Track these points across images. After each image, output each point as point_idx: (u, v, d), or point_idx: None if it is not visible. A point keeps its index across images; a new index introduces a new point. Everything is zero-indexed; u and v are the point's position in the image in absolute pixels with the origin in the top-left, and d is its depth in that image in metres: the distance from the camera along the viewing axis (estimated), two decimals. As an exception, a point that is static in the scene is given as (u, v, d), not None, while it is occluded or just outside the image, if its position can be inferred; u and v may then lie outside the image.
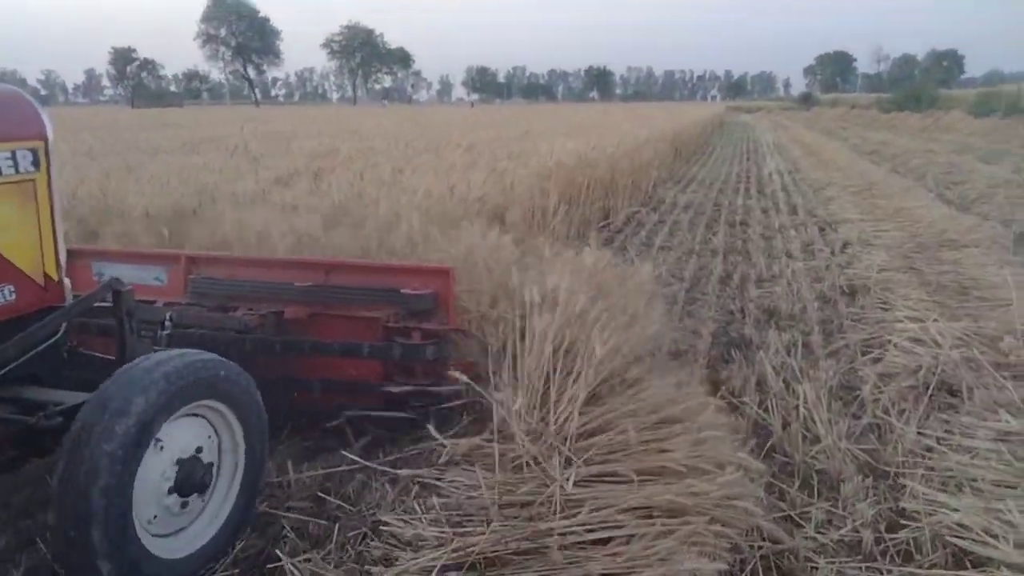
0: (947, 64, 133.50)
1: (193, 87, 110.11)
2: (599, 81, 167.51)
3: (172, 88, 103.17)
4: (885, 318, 5.16)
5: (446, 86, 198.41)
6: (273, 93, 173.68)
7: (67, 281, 2.67)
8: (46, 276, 2.55)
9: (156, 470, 2.26)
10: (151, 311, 3.15)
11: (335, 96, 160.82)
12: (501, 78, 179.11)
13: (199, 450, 2.41)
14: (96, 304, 2.58)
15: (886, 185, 11.57)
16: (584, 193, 7.80)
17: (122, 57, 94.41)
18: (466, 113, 29.42)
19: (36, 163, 2.45)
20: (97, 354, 2.77)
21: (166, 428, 2.24)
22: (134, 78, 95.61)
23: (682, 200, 11.75)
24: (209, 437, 2.47)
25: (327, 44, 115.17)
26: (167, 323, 3.00)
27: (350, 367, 3.36)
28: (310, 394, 3.34)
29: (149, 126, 16.54)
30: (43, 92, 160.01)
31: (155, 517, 2.29)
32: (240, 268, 3.60)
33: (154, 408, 2.15)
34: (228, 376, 2.43)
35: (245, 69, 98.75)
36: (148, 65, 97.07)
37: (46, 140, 2.49)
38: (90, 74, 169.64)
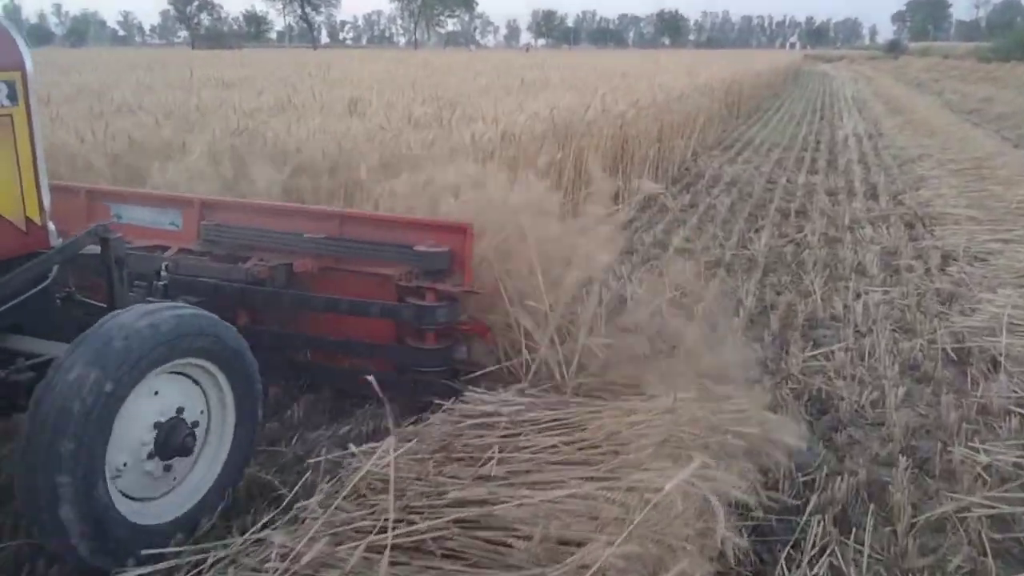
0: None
1: (260, 29, 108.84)
2: (670, 26, 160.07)
3: (240, 29, 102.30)
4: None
5: (513, 31, 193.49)
6: (341, 36, 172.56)
7: (51, 225, 2.46)
8: (27, 219, 2.38)
9: (132, 431, 2.10)
10: (147, 259, 3.09)
11: (402, 40, 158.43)
12: (570, 22, 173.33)
13: (181, 411, 2.22)
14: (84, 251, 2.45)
15: (1000, 161, 8.79)
16: (567, 173, 5.48)
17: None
18: (510, 58, 26.67)
19: (13, 96, 2.29)
20: (93, 302, 2.57)
21: (144, 386, 2.09)
22: (194, 18, 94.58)
23: (727, 174, 9.23)
24: (195, 399, 2.29)
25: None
26: (163, 273, 2.98)
27: (359, 326, 3.15)
28: (319, 352, 3.28)
29: (134, 67, 14.67)
30: (121, 33, 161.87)
31: (130, 478, 2.12)
32: (255, 215, 3.39)
33: (131, 365, 2.01)
34: (217, 334, 2.27)
35: (303, 10, 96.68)
36: (207, 6, 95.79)
37: (24, 71, 2.31)
38: (165, 16, 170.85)
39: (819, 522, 2.45)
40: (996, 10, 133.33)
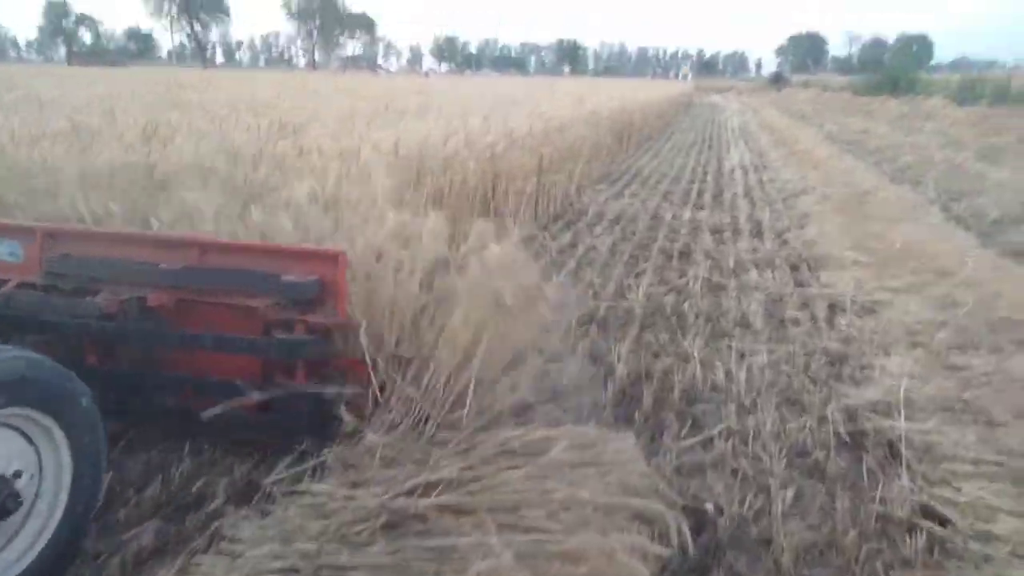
0: (917, 49, 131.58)
1: (146, 47, 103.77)
2: (570, 55, 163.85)
3: (130, 46, 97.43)
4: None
5: (416, 55, 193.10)
6: (237, 57, 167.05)
7: None
8: None
9: None
10: None
11: (302, 62, 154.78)
12: (473, 49, 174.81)
13: (6, 469, 1.98)
14: None
15: (880, 196, 8.69)
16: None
17: (56, 12, 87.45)
18: (401, 83, 25.89)
19: None
20: None
21: None
22: (73, 34, 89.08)
23: (612, 210, 8.75)
24: (23, 454, 2.02)
25: (285, 4, 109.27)
26: None
27: (221, 363, 2.88)
28: (174, 394, 2.96)
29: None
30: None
31: None
32: (105, 245, 3.11)
33: None
34: (47, 380, 2.02)
35: (192, 27, 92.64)
36: (85, 20, 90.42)
37: None
38: (43, 31, 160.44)
39: None
40: (866, 47, 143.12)
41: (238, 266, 2.93)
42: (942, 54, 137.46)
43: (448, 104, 10.11)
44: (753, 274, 6.02)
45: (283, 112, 7.43)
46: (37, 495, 2.03)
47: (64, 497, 2.08)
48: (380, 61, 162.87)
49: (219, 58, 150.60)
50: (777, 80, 75.75)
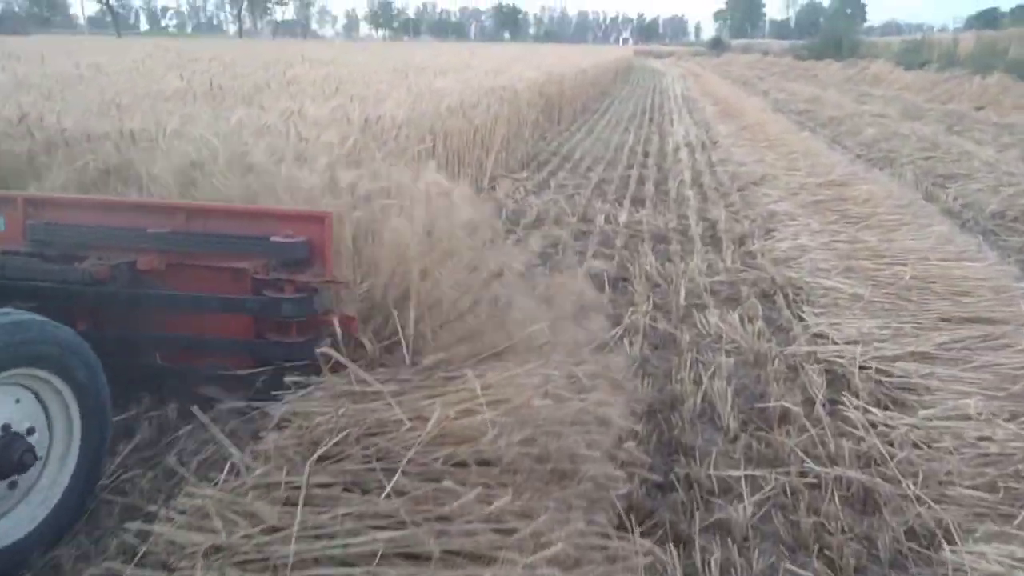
0: (851, 12, 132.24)
1: (53, 14, 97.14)
2: (509, 20, 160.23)
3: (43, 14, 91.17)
4: None
5: (352, 21, 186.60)
6: (163, 23, 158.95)
7: None
8: None
9: None
10: None
11: (232, 28, 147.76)
12: (411, 14, 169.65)
13: (14, 426, 2.07)
14: None
15: (862, 190, 7.06)
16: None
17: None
18: (308, 49, 23.33)
19: None
20: None
21: None
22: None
23: (532, 208, 6.94)
24: (33, 412, 2.14)
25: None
26: None
27: (217, 323, 3.00)
28: (169, 354, 3.06)
29: None
30: None
31: None
32: (88, 212, 3.22)
33: None
34: (53, 340, 2.11)
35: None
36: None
37: None
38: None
39: None
40: (803, 10, 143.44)
41: (225, 229, 2.95)
42: (872, 17, 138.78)
43: (320, 80, 8.10)
44: (713, 317, 4.31)
45: (75, 92, 5.44)
46: (49, 451, 2.13)
47: (75, 451, 2.18)
48: (315, 27, 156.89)
49: (143, 25, 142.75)
50: (716, 45, 74.66)
